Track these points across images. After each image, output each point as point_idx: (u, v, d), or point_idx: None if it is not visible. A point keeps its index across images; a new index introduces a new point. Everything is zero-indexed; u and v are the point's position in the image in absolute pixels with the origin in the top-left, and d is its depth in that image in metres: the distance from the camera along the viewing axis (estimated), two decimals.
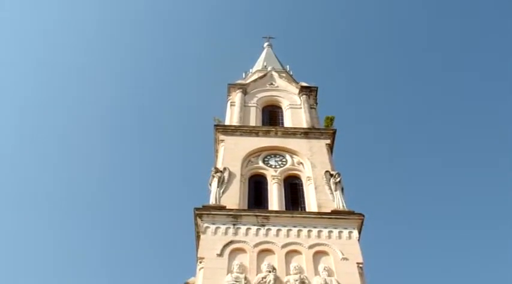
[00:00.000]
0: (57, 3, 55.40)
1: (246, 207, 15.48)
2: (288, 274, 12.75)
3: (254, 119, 21.08)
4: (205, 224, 14.25)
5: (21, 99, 51.65)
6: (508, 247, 44.43)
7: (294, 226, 14.30)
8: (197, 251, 13.84)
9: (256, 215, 14.55)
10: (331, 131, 19.28)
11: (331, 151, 18.67)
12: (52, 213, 47.05)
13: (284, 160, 17.83)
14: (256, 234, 14.07)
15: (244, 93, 22.76)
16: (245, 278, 12.45)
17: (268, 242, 13.81)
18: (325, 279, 12.55)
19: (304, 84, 23.78)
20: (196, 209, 14.72)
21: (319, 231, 14.19)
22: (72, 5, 56.25)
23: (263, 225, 14.30)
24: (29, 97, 51.53)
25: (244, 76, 26.25)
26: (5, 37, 51.90)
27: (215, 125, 19.63)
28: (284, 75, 25.49)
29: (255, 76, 25.20)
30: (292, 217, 14.66)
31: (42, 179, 50.14)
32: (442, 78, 54.95)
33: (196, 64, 58.60)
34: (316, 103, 22.81)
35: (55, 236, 46.22)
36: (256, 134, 19.05)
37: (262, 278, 12.45)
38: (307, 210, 15.57)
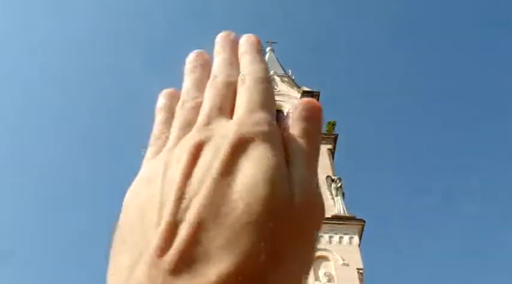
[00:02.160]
0: None
1: None
2: None
3: None
4: None
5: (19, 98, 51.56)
6: (509, 254, 44.20)
7: None
8: None
9: None
10: (333, 136, 19.25)
11: (333, 156, 18.65)
12: (52, 215, 46.98)
13: None
14: None
15: None
16: None
17: None
18: None
19: (306, 88, 23.75)
20: None
21: (320, 236, 14.12)
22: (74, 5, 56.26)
23: None
24: (27, 97, 51.49)
25: None
26: None
27: None
28: (286, 79, 25.46)
29: None
30: None
31: (43, 184, 50.08)
32: (445, 83, 54.93)
33: None
34: None
35: (54, 239, 46.16)
36: None
37: None
38: None
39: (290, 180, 0.28)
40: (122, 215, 0.29)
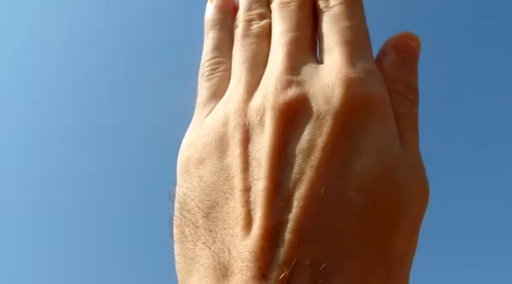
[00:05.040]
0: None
1: None
2: None
3: None
4: None
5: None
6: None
7: None
8: None
9: None
10: None
11: None
12: (54, 216, 46.75)
13: None
14: None
15: None
16: None
17: None
18: None
19: None
20: None
21: None
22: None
23: None
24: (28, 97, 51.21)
25: None
26: None
27: None
28: None
29: None
30: None
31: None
32: (447, 87, 54.80)
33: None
34: None
35: (56, 237, 45.96)
36: None
37: None
38: None
39: (407, 171, 0.22)
40: (183, 184, 0.22)
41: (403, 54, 0.25)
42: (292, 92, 0.21)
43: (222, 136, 0.21)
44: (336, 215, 0.19)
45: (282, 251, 0.18)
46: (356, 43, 0.23)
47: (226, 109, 0.22)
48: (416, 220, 0.22)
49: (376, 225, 0.19)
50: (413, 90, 0.24)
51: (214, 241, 0.19)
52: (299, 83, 0.21)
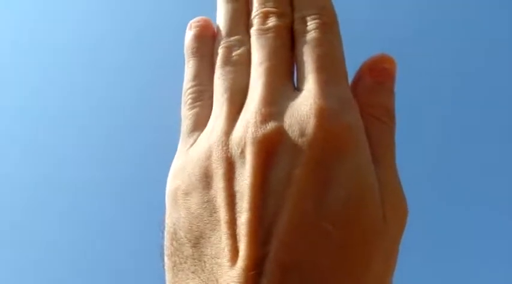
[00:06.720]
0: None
1: None
2: None
3: None
4: None
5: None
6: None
7: None
8: None
9: None
10: None
11: None
12: (57, 212, 46.62)
13: None
14: None
15: None
16: None
17: None
18: None
19: None
20: None
21: None
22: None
23: None
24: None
25: None
26: None
27: None
28: None
29: None
30: None
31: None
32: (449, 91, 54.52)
33: None
34: None
35: (58, 236, 45.86)
36: None
37: None
38: None
39: (382, 195, 0.22)
40: (172, 214, 0.23)
41: (378, 78, 0.25)
42: (270, 125, 0.21)
43: (206, 168, 0.22)
44: (313, 245, 0.20)
45: (265, 281, 0.19)
46: (331, 70, 0.23)
47: (209, 141, 0.23)
48: (393, 242, 0.23)
49: (352, 253, 0.20)
50: (390, 113, 0.25)
51: (203, 271, 0.20)
52: (277, 115, 0.22)
